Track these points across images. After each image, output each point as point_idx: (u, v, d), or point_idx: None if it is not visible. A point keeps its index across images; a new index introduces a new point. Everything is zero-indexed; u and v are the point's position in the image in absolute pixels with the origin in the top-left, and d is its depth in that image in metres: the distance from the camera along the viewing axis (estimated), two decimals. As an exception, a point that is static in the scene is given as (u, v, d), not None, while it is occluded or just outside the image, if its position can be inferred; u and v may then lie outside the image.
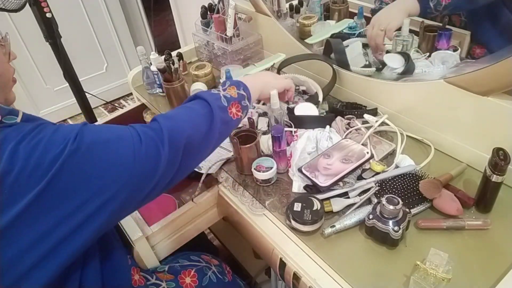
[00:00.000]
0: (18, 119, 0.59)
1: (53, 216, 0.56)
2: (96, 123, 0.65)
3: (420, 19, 1.05)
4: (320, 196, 0.86)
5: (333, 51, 1.12)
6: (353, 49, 1.12)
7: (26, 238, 0.55)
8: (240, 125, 1.11)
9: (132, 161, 0.61)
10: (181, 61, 1.42)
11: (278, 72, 1.22)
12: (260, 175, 0.91)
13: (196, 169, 1.01)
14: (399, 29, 1.06)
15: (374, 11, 1.19)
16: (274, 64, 1.20)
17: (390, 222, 0.74)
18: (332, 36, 1.17)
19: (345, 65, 1.10)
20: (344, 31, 1.19)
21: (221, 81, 1.17)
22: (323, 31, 1.21)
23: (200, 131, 0.72)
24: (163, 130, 0.66)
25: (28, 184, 0.54)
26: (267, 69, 1.24)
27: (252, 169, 0.92)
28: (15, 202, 0.53)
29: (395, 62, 1.03)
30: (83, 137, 0.58)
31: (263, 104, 1.15)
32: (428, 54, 1.02)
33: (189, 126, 0.70)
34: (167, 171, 0.66)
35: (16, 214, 0.53)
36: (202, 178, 0.99)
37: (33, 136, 0.56)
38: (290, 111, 1.06)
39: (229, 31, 1.31)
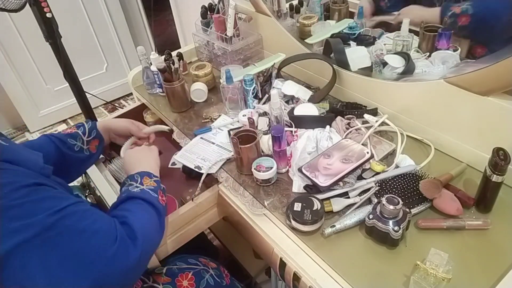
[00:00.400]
0: None
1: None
2: (86, 205, 0.70)
3: (420, 19, 1.05)
4: (320, 196, 0.86)
5: (332, 51, 1.12)
6: (356, 50, 1.12)
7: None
8: (240, 125, 1.12)
9: (98, 259, 0.63)
10: (181, 61, 1.42)
11: (278, 72, 1.22)
12: (260, 175, 0.91)
13: (196, 169, 1.01)
14: (399, 29, 1.06)
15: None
16: (274, 64, 1.20)
17: (390, 222, 0.74)
18: (332, 36, 1.16)
19: (345, 65, 1.10)
20: (344, 31, 1.19)
21: (221, 81, 1.16)
22: (323, 31, 1.21)
23: (160, 232, 0.81)
24: (138, 238, 0.70)
25: (7, 229, 0.56)
26: (265, 70, 1.24)
27: (252, 169, 0.92)
28: None
29: (395, 62, 1.03)
30: (64, 218, 0.61)
31: (263, 103, 1.15)
32: (428, 54, 1.02)
33: (155, 232, 0.78)
34: (134, 270, 0.71)
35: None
36: (202, 178, 0.99)
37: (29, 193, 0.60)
38: (291, 111, 1.06)
39: (229, 31, 1.31)
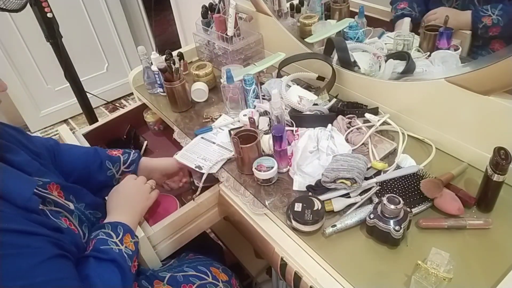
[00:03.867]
0: None
1: None
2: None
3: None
4: (321, 196, 0.86)
5: (335, 49, 1.12)
6: (362, 55, 1.11)
7: None
8: (241, 125, 1.12)
9: None
10: (181, 60, 1.42)
11: (279, 72, 1.22)
12: (261, 175, 0.91)
13: (197, 169, 1.01)
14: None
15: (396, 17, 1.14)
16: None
17: (391, 221, 0.74)
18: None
19: (348, 63, 1.10)
20: (345, 30, 1.19)
21: (222, 81, 1.16)
22: (323, 30, 1.21)
23: None
24: None
25: None
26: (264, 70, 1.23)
27: (253, 169, 0.92)
28: None
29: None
30: None
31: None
32: (428, 53, 1.02)
33: None
34: None
35: None
36: (203, 177, 0.99)
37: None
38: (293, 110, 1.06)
39: (230, 31, 1.31)
